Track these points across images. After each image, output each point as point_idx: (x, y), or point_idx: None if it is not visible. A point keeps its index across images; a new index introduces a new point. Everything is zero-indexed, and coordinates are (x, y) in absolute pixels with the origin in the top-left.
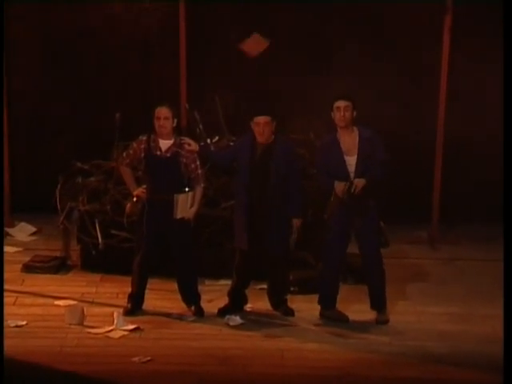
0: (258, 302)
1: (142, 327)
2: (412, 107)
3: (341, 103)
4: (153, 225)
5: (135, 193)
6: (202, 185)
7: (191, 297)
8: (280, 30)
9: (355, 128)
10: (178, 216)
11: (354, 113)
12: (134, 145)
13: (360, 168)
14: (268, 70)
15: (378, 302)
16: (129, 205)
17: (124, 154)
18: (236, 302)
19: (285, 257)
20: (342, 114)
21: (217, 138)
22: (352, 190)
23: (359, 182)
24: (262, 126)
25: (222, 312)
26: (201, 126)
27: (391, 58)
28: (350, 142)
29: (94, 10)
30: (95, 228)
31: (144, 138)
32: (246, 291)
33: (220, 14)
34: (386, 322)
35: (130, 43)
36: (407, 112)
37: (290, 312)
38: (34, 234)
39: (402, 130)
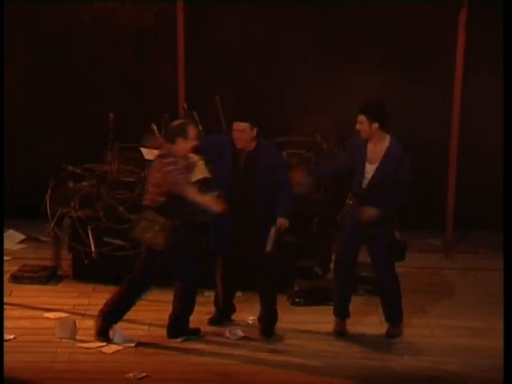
0: None
1: (136, 341)
2: (426, 110)
3: (358, 116)
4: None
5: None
6: None
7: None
8: (281, 29)
9: (387, 139)
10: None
11: (374, 125)
12: None
13: (375, 180)
14: (269, 70)
15: (391, 316)
16: None
17: None
18: (224, 312)
19: (269, 266)
20: (358, 127)
21: None
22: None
23: (369, 211)
24: (237, 133)
25: (213, 322)
26: (200, 127)
27: (404, 59)
28: (375, 151)
29: (85, 8)
30: (88, 235)
31: None
32: (234, 300)
33: (219, 12)
34: (398, 335)
35: (124, 41)
36: (420, 114)
37: (268, 335)
38: (22, 241)
39: (416, 134)
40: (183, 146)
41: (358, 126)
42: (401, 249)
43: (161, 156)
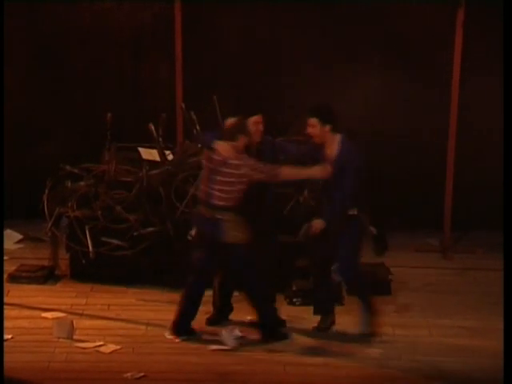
0: None
1: (133, 341)
2: (424, 109)
3: (309, 119)
4: None
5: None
6: None
7: None
8: (281, 29)
9: (337, 141)
10: None
11: (326, 128)
12: None
13: (335, 181)
14: (268, 70)
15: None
16: None
17: None
18: (221, 312)
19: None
20: (309, 130)
21: None
22: (309, 233)
23: (317, 224)
24: (260, 124)
25: (211, 322)
26: (198, 127)
27: (404, 59)
28: (330, 153)
29: (85, 8)
30: (85, 235)
31: None
32: (231, 300)
33: (217, 12)
34: (372, 335)
35: (122, 41)
36: (419, 114)
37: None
38: (19, 241)
39: (415, 133)
40: (243, 143)
41: (309, 130)
42: (379, 242)
43: (231, 154)
